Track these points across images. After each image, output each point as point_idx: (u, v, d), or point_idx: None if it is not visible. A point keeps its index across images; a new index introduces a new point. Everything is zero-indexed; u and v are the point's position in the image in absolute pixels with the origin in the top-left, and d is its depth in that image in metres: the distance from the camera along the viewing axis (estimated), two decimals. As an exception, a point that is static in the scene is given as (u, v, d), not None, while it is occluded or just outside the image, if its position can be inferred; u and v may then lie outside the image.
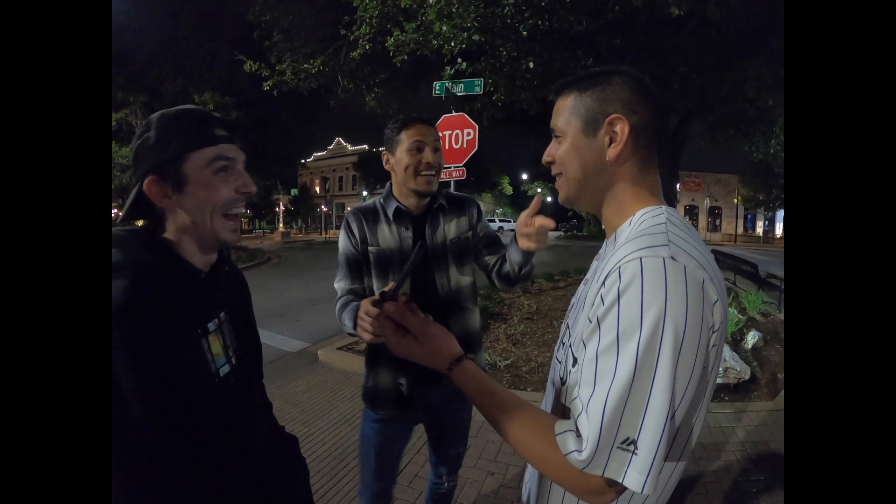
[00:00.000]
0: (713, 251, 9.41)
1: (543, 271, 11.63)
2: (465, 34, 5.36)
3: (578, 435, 0.81)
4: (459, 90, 6.97)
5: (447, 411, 2.09)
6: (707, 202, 40.57)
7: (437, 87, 7.19)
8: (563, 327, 1.06)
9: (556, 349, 1.08)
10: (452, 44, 5.49)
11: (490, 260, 1.99)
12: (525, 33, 5.29)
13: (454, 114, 7.30)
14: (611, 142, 0.95)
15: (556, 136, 1.03)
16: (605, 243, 1.06)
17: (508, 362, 5.56)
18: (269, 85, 8.38)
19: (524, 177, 52.15)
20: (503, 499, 3.11)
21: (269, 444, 1.35)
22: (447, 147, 7.38)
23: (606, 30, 5.69)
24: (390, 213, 1.90)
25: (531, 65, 5.76)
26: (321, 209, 57.59)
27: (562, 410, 0.95)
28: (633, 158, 0.97)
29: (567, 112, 1.00)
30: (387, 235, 1.90)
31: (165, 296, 1.05)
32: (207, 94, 18.35)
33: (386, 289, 1.30)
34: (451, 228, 1.94)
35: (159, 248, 1.11)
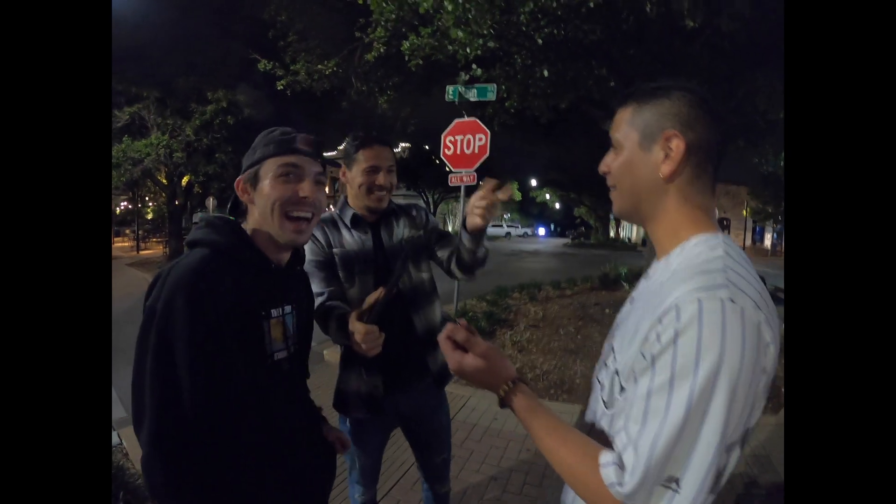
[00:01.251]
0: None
1: (550, 279, 11.66)
2: (481, 40, 5.39)
3: (622, 468, 0.82)
4: (472, 96, 7.00)
5: (420, 417, 2.17)
6: (715, 213, 40.35)
7: (451, 92, 7.23)
8: (606, 346, 1.07)
9: (597, 368, 1.09)
10: (468, 50, 5.52)
11: (443, 253, 2.06)
12: (540, 41, 5.32)
13: (466, 119, 7.34)
14: (665, 157, 0.95)
15: (614, 147, 1.03)
16: (654, 264, 1.05)
17: (515, 367, 5.59)
18: (282, 84, 8.44)
19: (533, 183, 52.03)
20: (506, 504, 3.14)
21: (307, 431, 1.49)
22: (458, 152, 7.40)
23: (621, 40, 5.72)
24: (348, 220, 2.02)
25: (545, 73, 5.78)
26: (329, 208, 57.71)
27: (598, 434, 0.97)
28: (687, 177, 0.96)
29: (626, 124, 1.00)
30: (348, 240, 2.01)
31: (236, 274, 1.24)
32: (220, 91, 18.41)
33: (364, 307, 1.51)
34: (405, 230, 2.08)
35: (241, 235, 1.31)
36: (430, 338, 2.04)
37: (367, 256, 2.00)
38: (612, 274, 11.58)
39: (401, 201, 2.24)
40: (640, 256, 16.85)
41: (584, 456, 0.89)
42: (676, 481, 0.79)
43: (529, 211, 64.08)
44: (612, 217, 47.36)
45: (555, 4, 4.98)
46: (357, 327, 1.47)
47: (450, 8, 5.10)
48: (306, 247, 1.84)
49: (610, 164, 1.04)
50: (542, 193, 52.56)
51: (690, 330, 0.78)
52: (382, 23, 6.23)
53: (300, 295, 1.47)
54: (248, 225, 1.34)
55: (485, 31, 5.30)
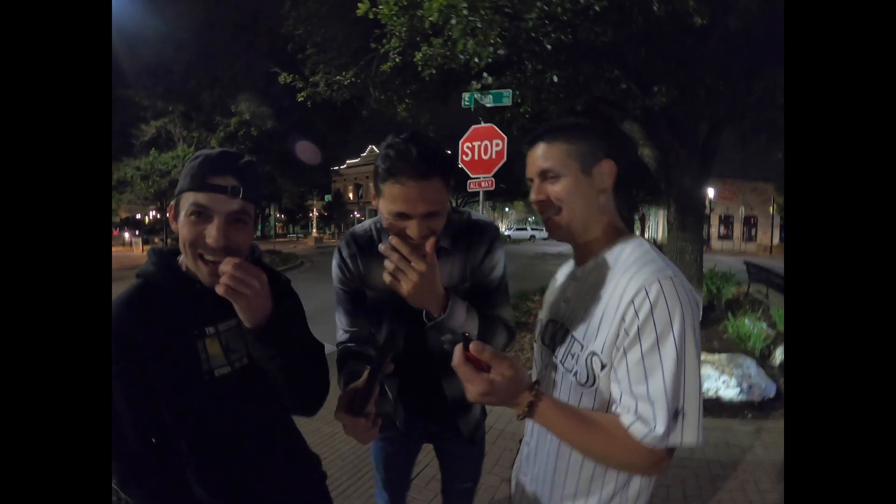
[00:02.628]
0: (746, 262, 9.24)
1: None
2: (491, 48, 5.46)
3: (643, 422, 1.03)
4: (488, 101, 7.09)
5: (450, 443, 1.97)
6: (742, 211, 39.23)
7: (466, 99, 7.32)
8: (563, 340, 1.25)
9: (559, 360, 1.25)
10: (478, 59, 5.60)
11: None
12: (549, 47, 5.37)
13: (483, 125, 7.41)
14: (603, 179, 1.22)
15: (550, 177, 1.22)
16: (582, 267, 1.29)
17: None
18: (303, 96, 8.59)
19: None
20: None
21: (268, 443, 1.45)
22: (476, 158, 7.48)
23: (632, 41, 5.73)
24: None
25: (555, 78, 5.83)
26: (354, 215, 58.45)
27: (587, 400, 1.18)
28: (610, 195, 1.25)
29: (563, 156, 1.21)
30: (380, 273, 1.39)
31: (163, 300, 1.29)
32: (243, 103, 18.83)
33: (356, 386, 1.28)
34: (446, 274, 1.56)
35: (168, 262, 1.35)
36: (462, 407, 1.80)
37: (397, 304, 1.46)
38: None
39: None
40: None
41: (611, 430, 1.07)
42: (681, 411, 1.03)
43: None
44: (636, 218, 46.87)
45: (559, 10, 5.02)
46: (341, 418, 1.24)
47: (454, 21, 5.19)
48: (333, 272, 1.67)
49: (550, 191, 1.22)
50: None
51: (660, 301, 1.04)
52: (396, 33, 6.34)
53: None
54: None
55: (493, 41, 5.37)
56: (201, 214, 1.19)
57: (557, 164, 1.21)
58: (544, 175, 1.23)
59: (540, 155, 1.23)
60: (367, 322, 1.67)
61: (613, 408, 1.10)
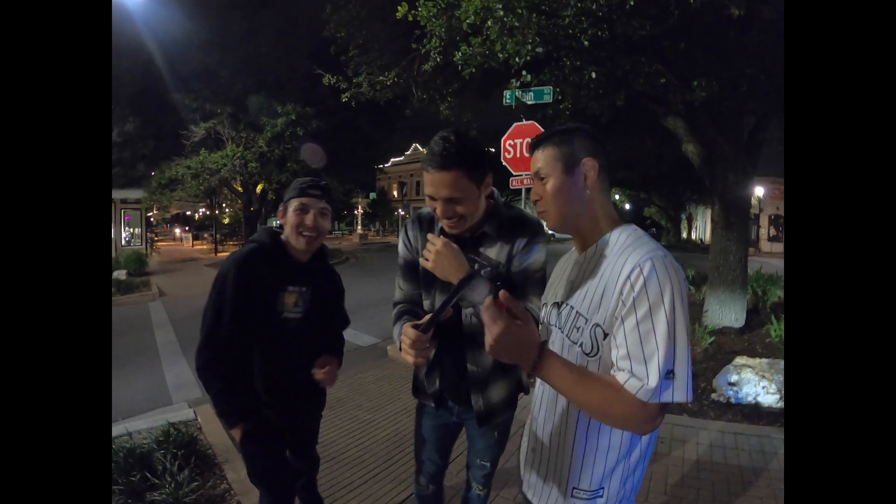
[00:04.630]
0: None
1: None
2: (529, 46, 5.49)
3: (637, 378, 1.16)
4: (529, 99, 7.10)
5: (476, 423, 2.08)
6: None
7: (507, 97, 7.35)
8: (569, 317, 1.41)
9: (565, 334, 1.41)
10: (517, 58, 5.64)
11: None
12: (586, 43, 5.35)
13: (525, 122, 7.41)
14: (586, 178, 1.38)
15: (541, 178, 1.43)
16: (582, 254, 1.46)
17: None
18: (346, 97, 8.79)
19: (601, 183, 50.74)
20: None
21: (305, 369, 2.29)
22: (517, 156, 7.49)
23: (670, 34, 5.65)
24: (437, 231, 1.91)
25: (593, 74, 5.80)
26: (398, 212, 59.13)
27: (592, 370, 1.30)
28: (599, 188, 1.41)
29: (550, 159, 1.42)
30: None
31: (268, 261, 2.15)
32: (289, 105, 19.30)
33: (426, 318, 1.56)
34: (491, 257, 1.87)
35: (275, 239, 2.22)
36: (482, 377, 1.97)
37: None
38: (680, 276, 11.25)
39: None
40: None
41: (608, 386, 1.20)
42: (672, 372, 1.16)
43: None
44: (683, 217, 45.67)
45: (595, 6, 5.02)
46: (408, 332, 1.53)
47: (490, 23, 5.24)
48: (399, 247, 2.11)
49: (541, 191, 1.44)
50: (612, 194, 51.23)
51: (652, 277, 1.19)
52: (436, 33, 6.44)
53: (317, 281, 2.32)
54: (285, 234, 2.20)
55: (530, 39, 5.39)
56: (302, 210, 2.13)
57: (545, 167, 1.42)
58: (538, 176, 1.44)
59: (535, 159, 1.46)
60: (419, 287, 2.04)
61: (612, 370, 1.23)
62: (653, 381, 1.14)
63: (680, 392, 1.16)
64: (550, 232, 1.78)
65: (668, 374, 1.15)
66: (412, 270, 2.04)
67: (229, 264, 2.11)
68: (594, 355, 1.30)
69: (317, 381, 2.30)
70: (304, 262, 2.25)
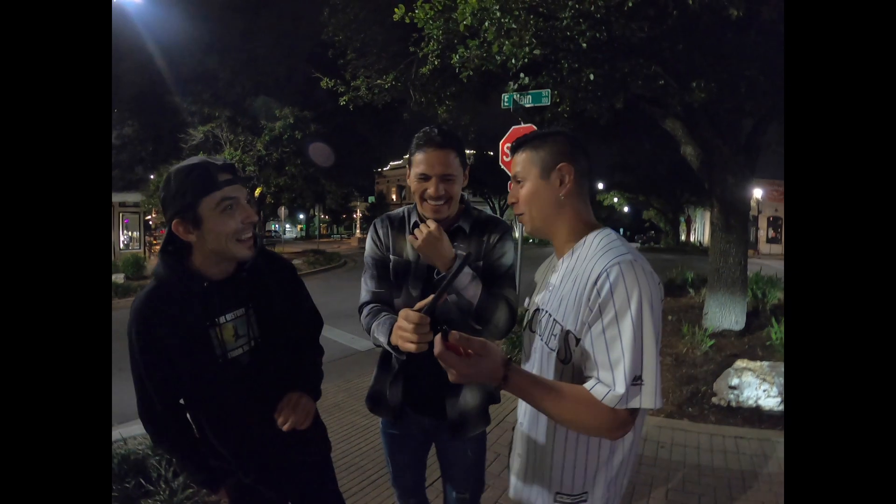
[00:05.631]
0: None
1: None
2: (526, 49, 5.47)
3: (604, 385, 1.16)
4: (527, 102, 7.09)
5: (451, 445, 2.05)
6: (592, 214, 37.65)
7: (506, 100, 7.34)
8: (547, 324, 1.40)
9: (544, 341, 1.40)
10: (514, 60, 5.62)
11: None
12: (584, 45, 5.33)
13: (522, 125, 7.41)
14: (561, 183, 1.37)
15: (518, 182, 1.44)
16: (561, 260, 1.44)
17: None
18: (345, 100, 8.78)
19: (600, 186, 50.97)
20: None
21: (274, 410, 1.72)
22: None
23: (669, 36, 5.62)
24: (411, 224, 1.95)
25: (591, 77, 5.78)
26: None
27: (567, 377, 1.31)
28: (576, 194, 1.39)
29: (527, 163, 1.41)
30: (407, 247, 1.93)
31: (176, 296, 1.55)
32: (287, 108, 19.29)
33: (422, 304, 1.48)
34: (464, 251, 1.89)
35: (180, 266, 1.57)
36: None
37: (417, 270, 1.91)
38: (679, 279, 11.28)
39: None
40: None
41: (576, 395, 1.19)
42: (639, 378, 1.15)
43: (597, 215, 60.55)
44: (682, 220, 45.72)
45: (593, 7, 5.00)
46: (410, 315, 1.43)
47: (487, 25, 5.22)
48: (367, 245, 2.02)
49: (517, 194, 1.44)
50: (610, 197, 51.39)
51: (619, 282, 1.18)
52: (434, 36, 6.42)
53: (255, 294, 1.70)
54: (195, 257, 1.59)
55: (528, 41, 5.38)
56: (231, 205, 1.53)
57: (522, 170, 1.43)
58: (515, 179, 1.45)
59: (514, 162, 1.47)
60: (388, 286, 1.98)
61: (582, 376, 1.24)
62: (619, 387, 1.14)
63: (648, 398, 1.15)
64: (528, 236, 1.81)
65: (635, 381, 1.15)
66: (382, 269, 1.99)
67: (130, 320, 1.54)
68: (567, 362, 1.30)
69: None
70: (231, 274, 1.64)
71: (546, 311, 1.41)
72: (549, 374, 1.37)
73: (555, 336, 1.33)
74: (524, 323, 1.58)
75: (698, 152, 7.31)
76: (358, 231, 57.62)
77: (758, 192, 32.71)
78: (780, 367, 5.11)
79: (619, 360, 1.15)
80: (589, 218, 1.42)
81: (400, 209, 2.05)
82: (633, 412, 1.18)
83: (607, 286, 1.18)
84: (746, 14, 4.81)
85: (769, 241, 36.05)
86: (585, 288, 1.23)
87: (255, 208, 1.81)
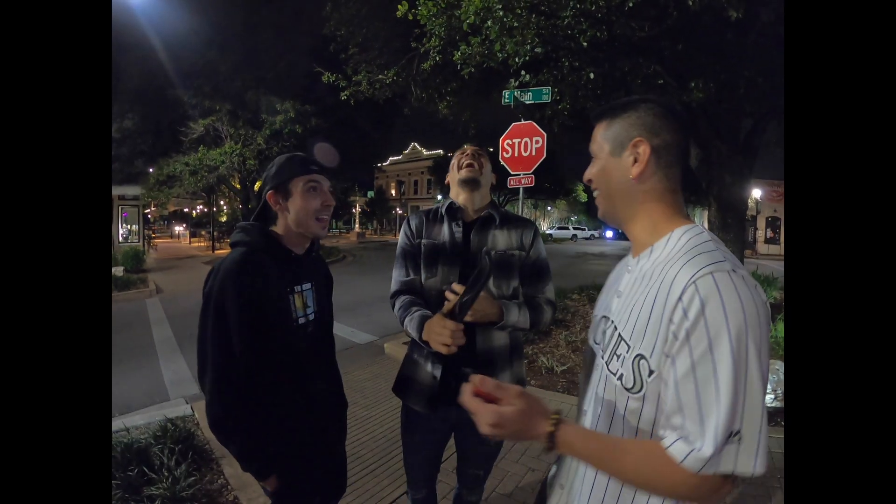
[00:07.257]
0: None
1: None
2: (528, 46, 5.52)
3: (687, 442, 0.90)
4: (528, 99, 7.12)
5: (469, 426, 2.07)
6: (684, 207, 37.69)
7: (506, 96, 7.37)
8: (611, 338, 1.11)
9: (605, 360, 1.12)
10: (516, 58, 5.67)
11: (525, 290, 2.05)
12: (585, 44, 5.38)
13: (523, 122, 7.44)
14: (634, 161, 1.09)
15: (593, 159, 1.19)
16: (637, 258, 1.15)
17: (565, 368, 5.69)
18: (346, 94, 8.81)
19: (599, 185, 50.73)
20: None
21: (326, 378, 1.99)
22: (516, 155, 7.52)
23: (669, 35, 5.67)
24: (444, 210, 2.08)
25: (591, 75, 5.83)
26: (396, 211, 59.27)
27: (621, 419, 1.05)
28: (657, 178, 1.09)
29: (600, 137, 1.15)
30: (439, 230, 2.06)
31: (265, 263, 1.72)
32: (288, 102, 19.29)
33: (450, 307, 1.59)
34: (498, 240, 2.02)
35: (269, 235, 1.80)
36: (490, 358, 2.00)
37: (453, 250, 2.01)
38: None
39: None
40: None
41: (647, 453, 0.95)
42: (738, 433, 0.86)
43: (596, 212, 62.11)
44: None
45: (594, 7, 5.04)
46: (447, 324, 1.58)
47: (489, 23, 5.26)
48: (399, 239, 2.17)
49: (590, 174, 1.19)
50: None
51: (713, 299, 0.88)
52: (436, 32, 6.46)
53: (317, 274, 1.96)
54: (278, 227, 1.83)
55: (529, 39, 5.42)
56: (315, 187, 1.79)
57: (595, 146, 1.18)
58: (592, 155, 1.20)
59: (593, 136, 1.20)
60: (417, 273, 2.07)
61: (661, 422, 0.98)
62: (708, 447, 0.86)
63: (746, 460, 0.87)
64: (549, 232, 1.80)
65: (730, 437, 0.86)
66: (411, 259, 2.10)
67: (222, 280, 1.64)
68: (637, 392, 1.00)
69: (334, 391, 2.03)
70: (302, 254, 1.86)
71: (612, 322, 1.13)
72: (610, 399, 1.09)
73: (618, 357, 1.05)
74: (589, 331, 1.32)
75: (697, 152, 7.38)
76: (357, 226, 57.52)
77: (756, 193, 32.75)
78: (775, 364, 5.11)
79: (712, 409, 0.86)
80: (677, 209, 1.11)
81: (437, 205, 2.18)
82: (732, 478, 0.90)
83: (697, 305, 0.89)
84: (745, 15, 4.86)
85: (767, 241, 36.11)
86: (666, 303, 0.94)
87: (335, 197, 2.00)
